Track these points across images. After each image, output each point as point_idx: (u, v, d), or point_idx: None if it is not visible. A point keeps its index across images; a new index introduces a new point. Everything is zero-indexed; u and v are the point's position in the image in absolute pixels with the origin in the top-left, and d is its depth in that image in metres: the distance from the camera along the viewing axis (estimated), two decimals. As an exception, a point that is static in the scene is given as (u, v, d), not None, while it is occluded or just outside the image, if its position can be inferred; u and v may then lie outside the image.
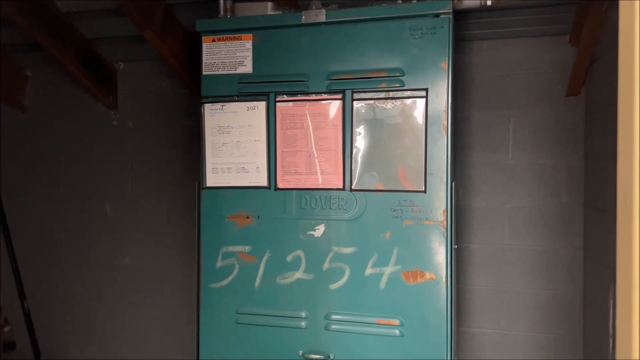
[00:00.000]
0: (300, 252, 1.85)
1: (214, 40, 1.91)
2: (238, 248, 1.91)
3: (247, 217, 1.90)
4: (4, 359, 2.91)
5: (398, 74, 1.76)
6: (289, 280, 1.86)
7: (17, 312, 2.96)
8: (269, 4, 1.92)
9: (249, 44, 1.88)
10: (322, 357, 1.82)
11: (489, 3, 1.92)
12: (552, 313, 2.31)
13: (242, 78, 1.89)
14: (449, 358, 1.74)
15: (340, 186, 1.82)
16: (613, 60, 1.79)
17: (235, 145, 1.90)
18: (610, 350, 1.79)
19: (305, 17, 1.82)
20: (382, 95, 1.77)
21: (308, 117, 1.84)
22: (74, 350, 2.95)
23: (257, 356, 1.89)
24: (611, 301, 1.79)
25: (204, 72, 1.93)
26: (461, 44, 2.33)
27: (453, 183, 1.75)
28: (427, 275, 1.74)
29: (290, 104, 1.85)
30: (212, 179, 1.93)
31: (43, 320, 2.97)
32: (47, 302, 2.97)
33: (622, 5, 0.71)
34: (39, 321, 2.97)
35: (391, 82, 1.76)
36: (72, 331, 2.95)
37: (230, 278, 1.91)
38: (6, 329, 2.93)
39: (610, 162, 1.85)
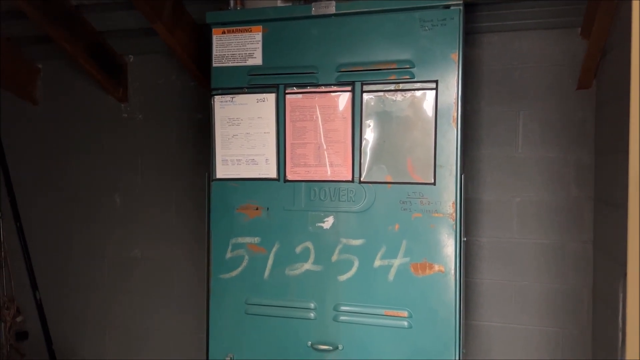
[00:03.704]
0: (309, 244, 1.86)
1: (224, 32, 1.92)
2: (247, 239, 1.92)
3: (257, 209, 1.91)
4: (17, 348, 2.96)
5: (408, 66, 1.75)
6: (298, 272, 1.88)
7: (30, 302, 3.00)
8: (279, -4, 1.93)
9: (258, 36, 1.89)
10: (331, 347, 1.83)
11: (499, -5, 1.91)
12: (560, 307, 2.31)
13: (251, 70, 1.90)
14: (457, 350, 1.74)
15: (349, 178, 1.82)
16: (625, 53, 1.78)
17: (244, 137, 1.91)
18: (620, 345, 1.79)
19: (315, 9, 1.82)
20: (392, 87, 1.77)
21: (317, 109, 1.84)
22: (84, 340, 2.99)
23: (266, 346, 1.90)
24: (621, 295, 1.78)
25: (214, 64, 1.93)
26: (471, 37, 2.32)
27: (462, 175, 1.74)
28: (436, 268, 1.74)
29: (300, 96, 1.86)
30: (222, 171, 1.94)
31: (55, 310, 3.01)
32: (59, 293, 3.01)
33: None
34: (50, 311, 3.01)
35: (401, 74, 1.76)
36: (83, 321, 2.98)
37: (239, 269, 1.93)
38: (19, 319, 2.97)
39: (621, 156, 1.84)
